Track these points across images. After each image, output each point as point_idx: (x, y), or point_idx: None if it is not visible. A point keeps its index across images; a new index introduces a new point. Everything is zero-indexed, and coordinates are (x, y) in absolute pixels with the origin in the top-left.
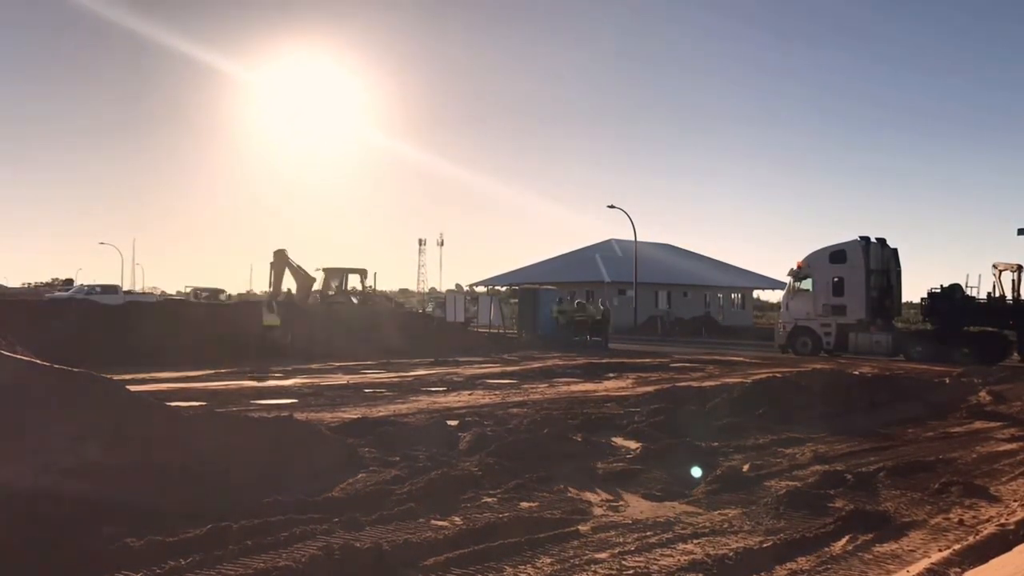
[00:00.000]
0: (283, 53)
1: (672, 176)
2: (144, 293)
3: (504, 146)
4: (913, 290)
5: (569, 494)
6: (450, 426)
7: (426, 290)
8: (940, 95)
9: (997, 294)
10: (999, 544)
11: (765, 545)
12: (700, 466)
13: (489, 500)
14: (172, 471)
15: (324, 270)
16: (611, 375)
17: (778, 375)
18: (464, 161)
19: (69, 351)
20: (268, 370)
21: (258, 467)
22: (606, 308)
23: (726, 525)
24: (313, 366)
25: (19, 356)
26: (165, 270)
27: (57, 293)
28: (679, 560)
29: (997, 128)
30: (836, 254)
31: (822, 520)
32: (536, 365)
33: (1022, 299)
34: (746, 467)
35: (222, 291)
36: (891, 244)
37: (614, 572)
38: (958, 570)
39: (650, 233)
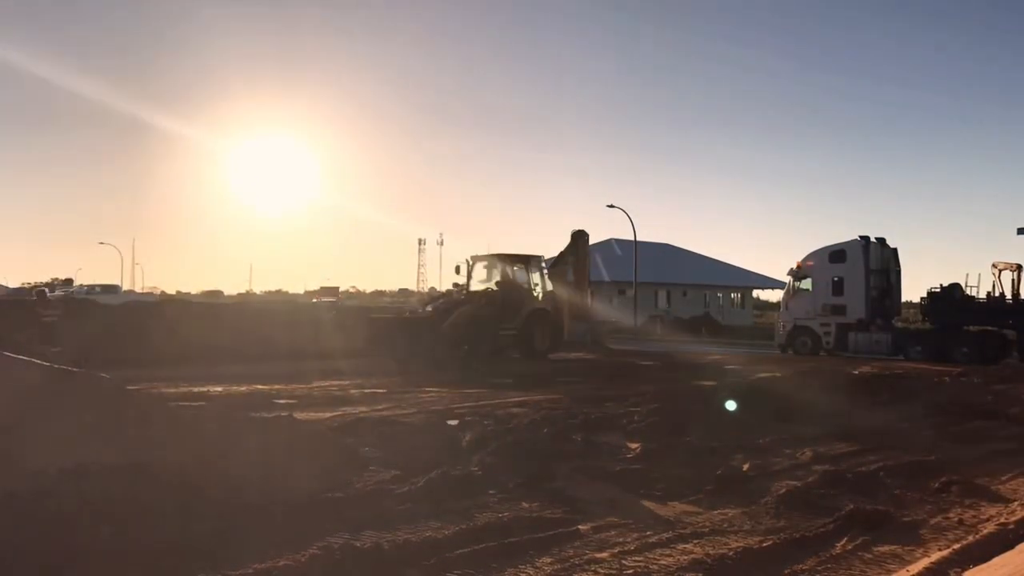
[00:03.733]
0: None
1: (672, 176)
2: (144, 293)
3: (503, 145)
4: (913, 290)
5: (569, 494)
6: (450, 425)
7: (426, 290)
8: (940, 94)
9: (997, 294)
10: (999, 543)
11: (765, 545)
12: (708, 461)
13: (489, 500)
14: (171, 471)
15: None
16: None
17: (778, 375)
18: (463, 160)
19: (71, 352)
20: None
21: (258, 467)
22: None
23: (726, 525)
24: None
25: (18, 356)
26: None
27: (56, 292)
28: (679, 560)
29: (997, 127)
30: (836, 254)
31: (822, 520)
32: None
33: (1022, 299)
34: (746, 467)
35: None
36: (891, 244)
37: (614, 572)
38: (958, 570)
39: (650, 233)
